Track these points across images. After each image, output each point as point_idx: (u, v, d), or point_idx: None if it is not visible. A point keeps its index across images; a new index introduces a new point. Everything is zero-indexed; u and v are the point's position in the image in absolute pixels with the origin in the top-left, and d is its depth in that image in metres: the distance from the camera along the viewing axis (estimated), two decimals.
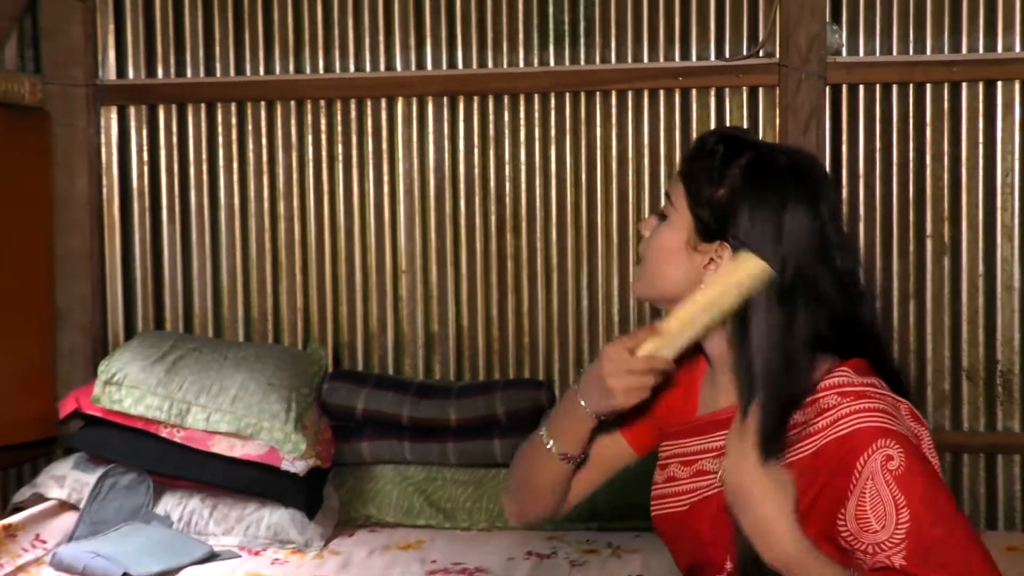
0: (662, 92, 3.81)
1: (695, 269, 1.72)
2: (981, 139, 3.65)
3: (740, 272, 1.66)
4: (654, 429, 1.91)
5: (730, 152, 1.70)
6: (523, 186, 3.93)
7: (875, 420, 1.60)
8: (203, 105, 4.00)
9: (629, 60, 3.83)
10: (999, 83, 3.63)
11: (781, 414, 1.62)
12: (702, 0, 3.80)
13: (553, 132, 3.89)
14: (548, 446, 1.84)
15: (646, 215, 3.68)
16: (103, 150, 4.03)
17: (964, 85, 3.64)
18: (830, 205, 1.71)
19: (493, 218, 3.95)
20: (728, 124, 3.80)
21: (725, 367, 1.74)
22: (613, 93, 3.84)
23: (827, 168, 1.91)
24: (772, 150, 1.75)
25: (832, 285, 1.67)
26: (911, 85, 3.68)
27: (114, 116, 4.03)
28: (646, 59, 3.83)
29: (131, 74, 4.02)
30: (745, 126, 3.75)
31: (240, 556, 3.37)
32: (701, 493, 1.77)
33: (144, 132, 4.04)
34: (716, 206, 1.68)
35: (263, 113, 3.99)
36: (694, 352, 1.81)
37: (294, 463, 3.44)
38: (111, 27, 4.00)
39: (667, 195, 1.78)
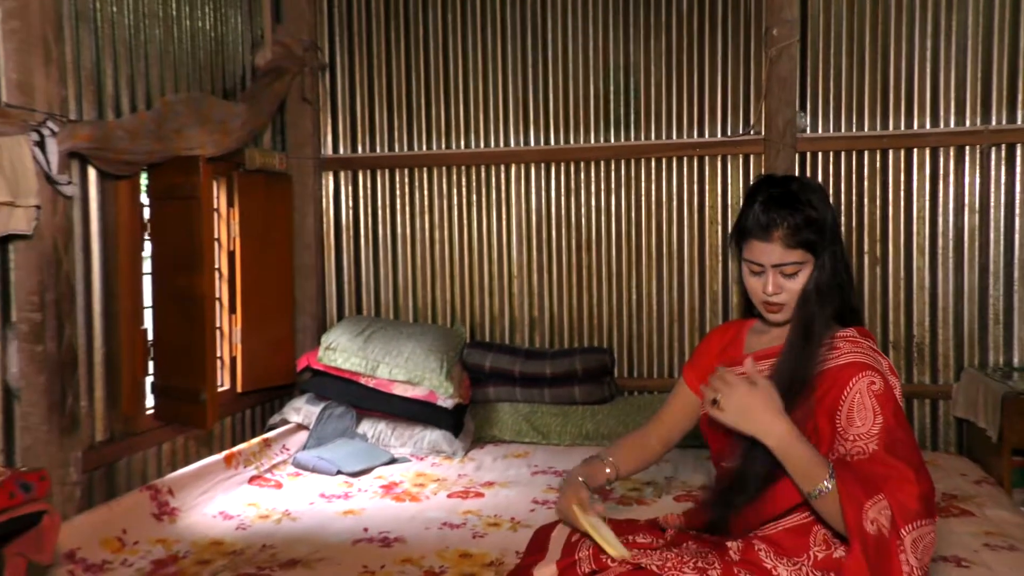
0: (685, 158, 3.98)
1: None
2: (902, 188, 3.80)
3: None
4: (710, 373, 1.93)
5: (801, 194, 1.77)
6: (592, 221, 4.09)
7: (865, 359, 1.73)
8: (387, 170, 4.24)
9: (663, 137, 4.00)
10: (915, 150, 3.78)
11: (815, 348, 1.74)
12: (712, 97, 3.96)
13: (612, 185, 4.07)
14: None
15: (676, 239, 3.98)
16: (323, 200, 4.30)
17: (890, 152, 3.80)
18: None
19: (573, 242, 4.11)
20: (741, 190, 3.90)
21: (774, 326, 1.87)
22: (653, 159, 4.01)
23: None
24: (802, 181, 1.83)
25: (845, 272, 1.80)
26: (854, 152, 3.83)
27: (331, 178, 4.29)
28: (675, 136, 4.00)
29: (341, 151, 4.29)
30: (740, 182, 3.95)
31: (410, 460, 3.57)
32: None
33: (349, 188, 4.30)
34: (813, 236, 1.76)
35: (425, 175, 4.21)
36: (747, 313, 1.97)
37: (445, 401, 3.68)
38: (328, 121, 4.29)
39: (772, 266, 1.78)
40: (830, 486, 1.60)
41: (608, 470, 2.00)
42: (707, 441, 1.97)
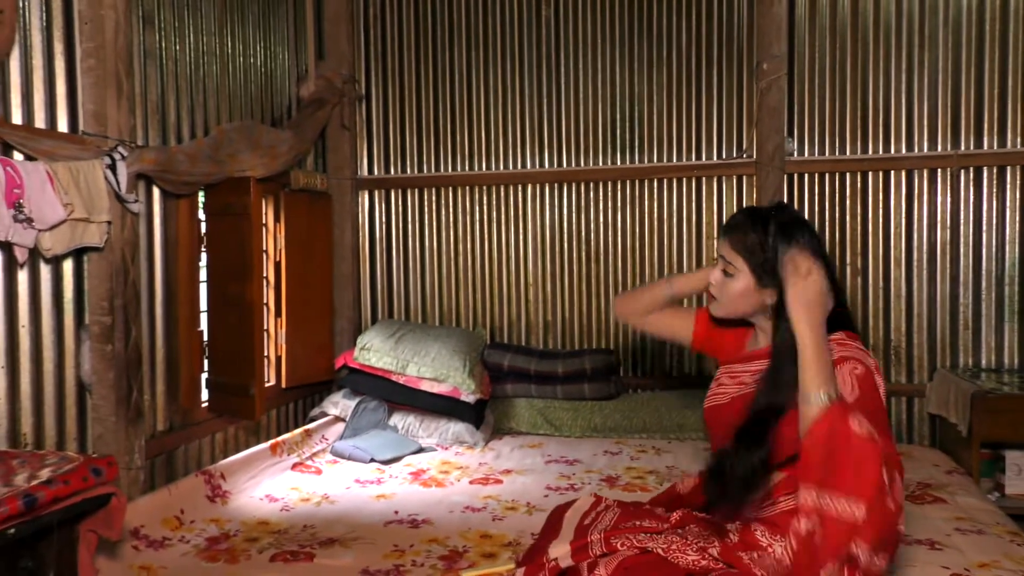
0: (684, 179, 3.98)
1: (762, 300, 1.80)
2: (880, 206, 3.79)
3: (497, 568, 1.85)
4: (710, 349, 2.00)
5: (761, 223, 1.78)
6: (601, 235, 4.09)
7: (851, 353, 1.72)
8: (416, 189, 4.25)
9: (664, 160, 4.01)
10: (892, 172, 3.77)
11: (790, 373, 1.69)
12: (708, 124, 3.96)
13: (618, 203, 4.07)
14: (667, 283, 2.06)
15: (676, 252, 3.97)
16: (359, 216, 4.30)
17: (870, 173, 3.79)
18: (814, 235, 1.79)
19: (583, 254, 4.11)
20: (734, 208, 3.89)
21: (767, 332, 1.85)
22: (655, 180, 4.01)
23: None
24: (780, 214, 1.79)
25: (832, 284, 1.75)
26: (837, 173, 3.82)
27: (366, 196, 4.30)
28: (674, 159, 4.00)
29: (376, 172, 4.29)
30: (734, 200, 3.93)
31: (436, 450, 3.57)
32: (736, 394, 1.85)
33: (383, 205, 4.29)
34: (768, 263, 1.76)
35: (450, 193, 4.22)
36: (745, 323, 1.93)
37: (468, 396, 3.67)
38: (365, 146, 4.29)
39: (722, 257, 1.84)
40: (827, 400, 1.59)
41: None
42: (708, 429, 1.96)
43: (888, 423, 1.71)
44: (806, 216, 3.81)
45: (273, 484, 3.05)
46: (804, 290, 1.66)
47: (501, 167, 4.20)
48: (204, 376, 3.23)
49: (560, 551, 1.81)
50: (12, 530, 1.58)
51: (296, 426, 3.79)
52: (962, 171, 3.73)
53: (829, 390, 1.59)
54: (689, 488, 1.97)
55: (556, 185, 4.15)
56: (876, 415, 1.62)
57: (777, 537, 1.70)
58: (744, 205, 3.92)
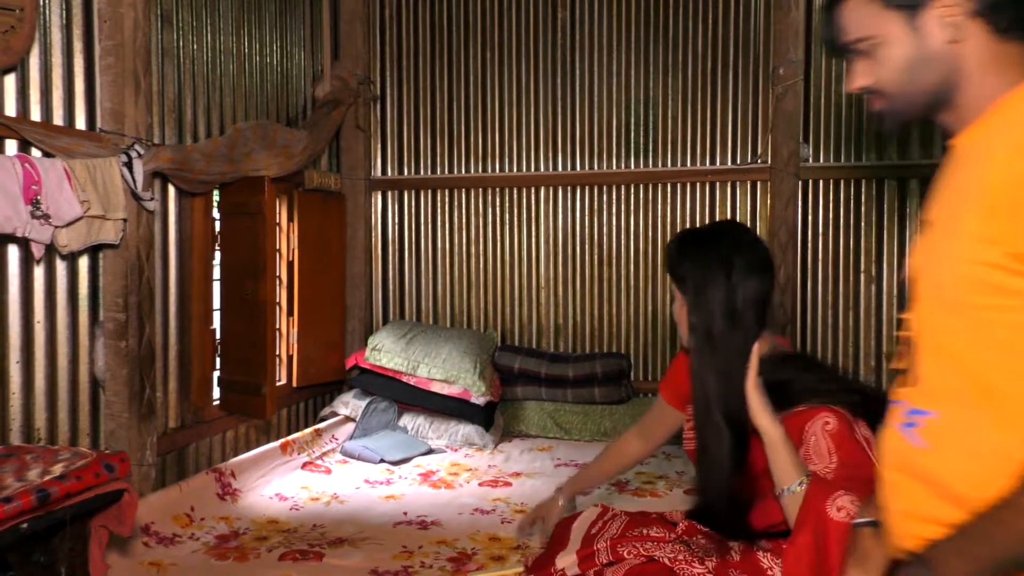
0: (698, 184, 3.96)
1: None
2: (896, 213, 3.76)
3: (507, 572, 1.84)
4: (686, 396, 1.90)
5: (674, 241, 1.80)
6: (613, 239, 4.08)
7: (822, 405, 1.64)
8: (429, 190, 4.26)
9: (678, 165, 3.99)
10: (908, 179, 3.72)
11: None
12: (723, 129, 3.95)
13: (632, 207, 4.06)
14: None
15: None
16: (372, 217, 4.30)
17: (886, 180, 3.76)
18: (749, 250, 1.71)
19: (595, 258, 4.11)
20: (748, 213, 3.88)
21: None
22: (668, 184, 4.00)
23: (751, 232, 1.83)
24: (694, 229, 1.81)
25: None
26: (852, 180, 3.79)
27: (379, 197, 4.30)
28: (688, 164, 3.99)
29: (389, 173, 4.30)
30: (748, 206, 3.90)
31: (446, 451, 3.57)
32: None
33: (396, 206, 4.30)
34: (676, 278, 1.78)
35: (463, 195, 4.23)
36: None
37: (478, 398, 3.68)
38: (379, 147, 4.31)
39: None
40: (803, 488, 1.54)
41: (560, 501, 2.13)
42: (691, 459, 1.92)
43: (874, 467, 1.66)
44: (820, 221, 3.83)
45: (283, 483, 3.06)
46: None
47: (515, 169, 4.20)
48: (216, 374, 3.25)
49: (567, 561, 1.81)
50: (25, 525, 1.59)
51: (306, 425, 3.80)
52: None
53: (801, 475, 1.55)
54: (678, 520, 1.91)
55: (569, 188, 4.15)
56: (861, 468, 1.53)
57: (778, 560, 1.64)
58: (758, 210, 3.93)
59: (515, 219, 4.22)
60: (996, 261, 0.93)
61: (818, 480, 1.55)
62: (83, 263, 2.58)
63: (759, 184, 3.93)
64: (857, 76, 1.10)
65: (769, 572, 1.66)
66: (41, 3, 2.39)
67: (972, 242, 0.95)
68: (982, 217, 0.94)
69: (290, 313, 3.72)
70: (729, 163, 3.98)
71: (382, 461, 3.35)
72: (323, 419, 3.80)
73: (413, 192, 4.32)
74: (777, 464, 1.58)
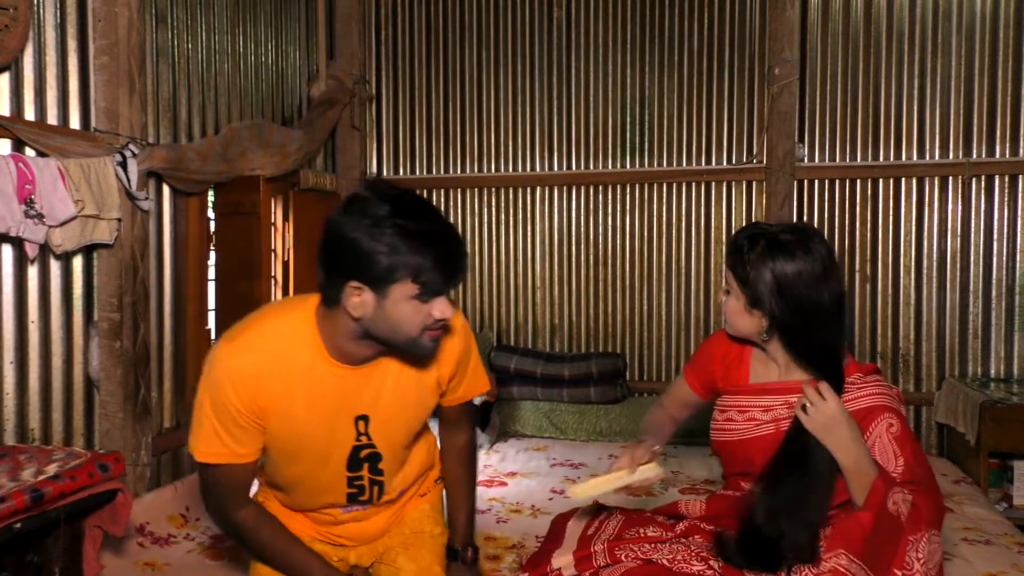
0: (693, 184, 3.98)
1: (754, 324, 1.75)
2: (891, 214, 3.78)
3: (647, 473, 1.79)
4: (711, 384, 1.93)
5: (751, 244, 1.72)
6: (609, 239, 4.09)
7: (882, 401, 1.69)
8: (425, 190, 4.20)
9: (674, 164, 4.00)
10: (903, 179, 3.76)
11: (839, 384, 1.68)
12: (719, 129, 3.96)
13: (627, 207, 4.07)
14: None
15: (684, 256, 3.97)
16: None
17: (881, 180, 3.78)
18: (823, 261, 1.67)
19: (591, 257, 4.11)
20: (744, 213, 3.91)
21: (777, 355, 1.77)
22: (664, 184, 4.01)
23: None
24: (775, 236, 1.70)
25: (833, 313, 1.67)
26: (847, 180, 3.81)
27: None
28: (684, 164, 4.00)
29: (385, 173, 4.29)
30: (743, 206, 3.91)
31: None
32: (752, 432, 1.78)
33: None
34: (752, 287, 1.71)
35: (459, 195, 4.23)
36: (740, 342, 1.86)
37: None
38: (374, 146, 4.31)
39: (726, 278, 1.80)
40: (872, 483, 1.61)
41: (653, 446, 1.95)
42: (720, 457, 1.92)
43: (931, 471, 1.71)
44: (815, 221, 3.83)
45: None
46: (811, 420, 1.63)
47: (510, 169, 4.20)
48: None
49: (563, 561, 1.79)
50: (18, 524, 1.59)
51: None
52: (974, 179, 3.72)
53: (871, 478, 1.62)
54: (695, 513, 1.89)
55: (565, 188, 4.15)
56: (921, 468, 1.67)
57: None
58: (753, 210, 3.93)
59: (511, 219, 4.21)
60: None
61: (884, 473, 1.63)
62: (77, 263, 2.58)
63: (755, 184, 3.94)
64: None
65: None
66: (35, 2, 2.38)
67: None
68: None
69: None
70: (725, 163, 3.98)
71: None
72: None
73: None
74: (862, 484, 1.62)
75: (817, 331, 1.66)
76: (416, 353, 1.54)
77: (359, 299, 1.43)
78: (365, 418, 1.59)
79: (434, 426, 1.85)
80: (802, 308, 1.65)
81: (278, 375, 1.51)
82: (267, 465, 1.68)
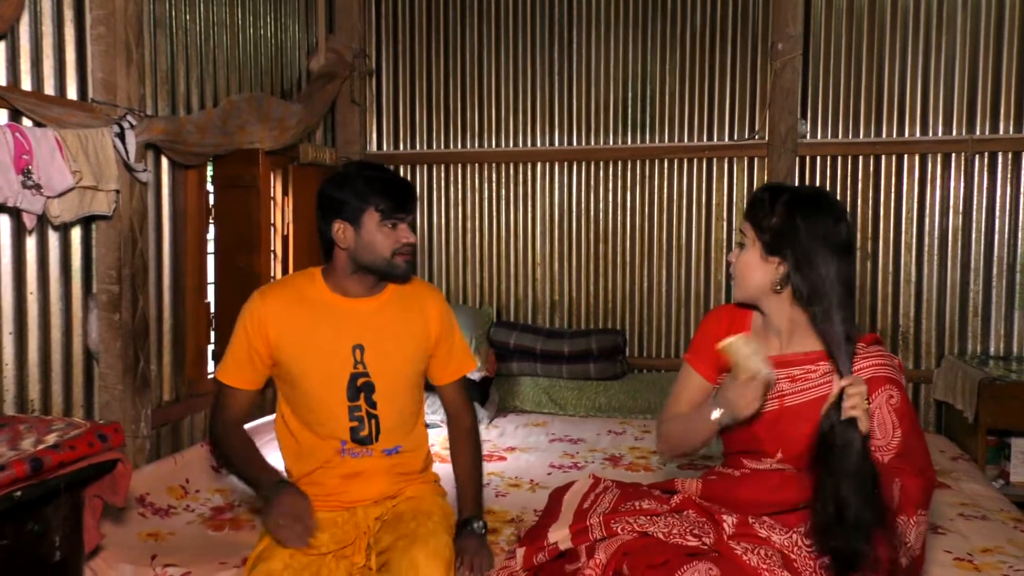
0: (695, 160, 3.97)
1: (768, 273, 1.71)
2: (893, 191, 3.79)
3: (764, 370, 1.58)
4: (717, 364, 1.83)
5: (774, 195, 1.71)
6: (609, 215, 4.09)
7: (886, 372, 1.68)
8: (425, 165, 4.24)
9: (675, 140, 4.01)
10: (905, 156, 3.76)
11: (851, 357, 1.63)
12: (721, 104, 3.95)
13: (628, 183, 4.07)
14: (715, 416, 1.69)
15: (685, 233, 3.97)
16: None
17: (883, 157, 3.78)
18: (847, 225, 1.68)
19: (591, 234, 4.12)
20: (745, 190, 3.89)
21: (781, 319, 1.73)
22: (666, 160, 4.01)
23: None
24: (799, 190, 1.73)
25: (845, 254, 1.65)
26: (849, 156, 3.81)
27: None
28: (686, 140, 4.00)
29: (385, 148, 4.29)
30: (745, 182, 3.90)
31: (441, 426, 3.28)
32: (773, 407, 1.72)
33: None
34: (773, 231, 1.68)
35: (459, 170, 4.22)
36: (743, 308, 1.82)
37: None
38: (374, 121, 4.30)
39: (740, 231, 1.76)
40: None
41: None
42: (721, 435, 1.80)
43: (926, 447, 1.70)
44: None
45: (278, 456, 3.03)
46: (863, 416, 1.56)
47: (511, 145, 4.19)
48: (211, 347, 3.24)
49: (560, 534, 1.80)
50: (19, 493, 1.60)
51: None
52: (977, 156, 3.71)
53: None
54: (691, 491, 1.85)
55: (566, 164, 4.14)
56: (918, 441, 1.67)
57: (776, 529, 1.66)
58: (755, 186, 3.91)
59: (511, 195, 4.21)
60: None
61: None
62: (76, 234, 2.57)
63: (756, 160, 3.93)
64: None
65: (767, 541, 1.66)
66: None
67: None
68: None
69: None
70: (726, 139, 3.97)
71: None
72: None
73: (408, 167, 4.30)
74: None
75: (830, 271, 1.62)
76: (393, 274, 1.97)
77: (343, 233, 1.91)
78: (361, 347, 1.94)
79: (435, 431, 1.90)
80: (816, 241, 1.63)
81: (286, 306, 1.95)
82: (289, 391, 2.00)
